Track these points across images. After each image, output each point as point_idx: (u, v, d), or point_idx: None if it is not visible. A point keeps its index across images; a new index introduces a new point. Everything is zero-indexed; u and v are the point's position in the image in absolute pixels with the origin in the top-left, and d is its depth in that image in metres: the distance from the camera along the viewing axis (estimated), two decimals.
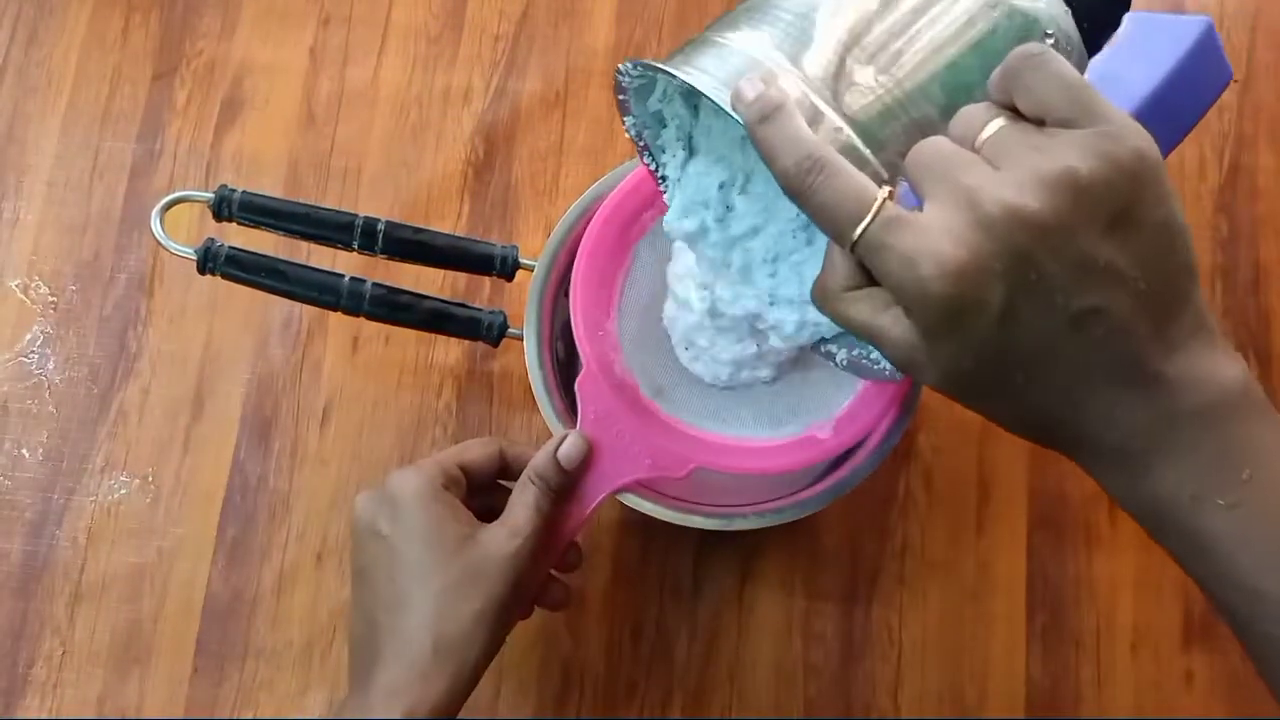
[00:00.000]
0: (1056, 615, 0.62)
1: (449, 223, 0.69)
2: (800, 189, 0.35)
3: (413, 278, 0.62)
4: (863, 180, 0.34)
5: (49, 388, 0.67)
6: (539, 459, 0.50)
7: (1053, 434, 0.36)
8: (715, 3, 0.73)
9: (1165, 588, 0.63)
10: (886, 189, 0.34)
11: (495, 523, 0.49)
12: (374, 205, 0.69)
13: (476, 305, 0.61)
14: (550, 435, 0.57)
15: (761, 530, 0.55)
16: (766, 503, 0.56)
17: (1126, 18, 0.38)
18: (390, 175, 0.70)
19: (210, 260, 0.57)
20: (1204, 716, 0.61)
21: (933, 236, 0.33)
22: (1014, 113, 0.34)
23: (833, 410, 0.54)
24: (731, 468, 0.52)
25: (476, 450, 0.53)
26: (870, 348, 0.48)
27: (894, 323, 0.35)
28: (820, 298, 0.38)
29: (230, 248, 0.57)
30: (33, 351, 0.67)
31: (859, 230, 0.34)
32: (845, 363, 0.50)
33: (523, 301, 0.58)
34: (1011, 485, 0.64)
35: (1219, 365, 0.34)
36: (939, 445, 0.64)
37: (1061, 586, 0.63)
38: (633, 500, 0.54)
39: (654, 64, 0.39)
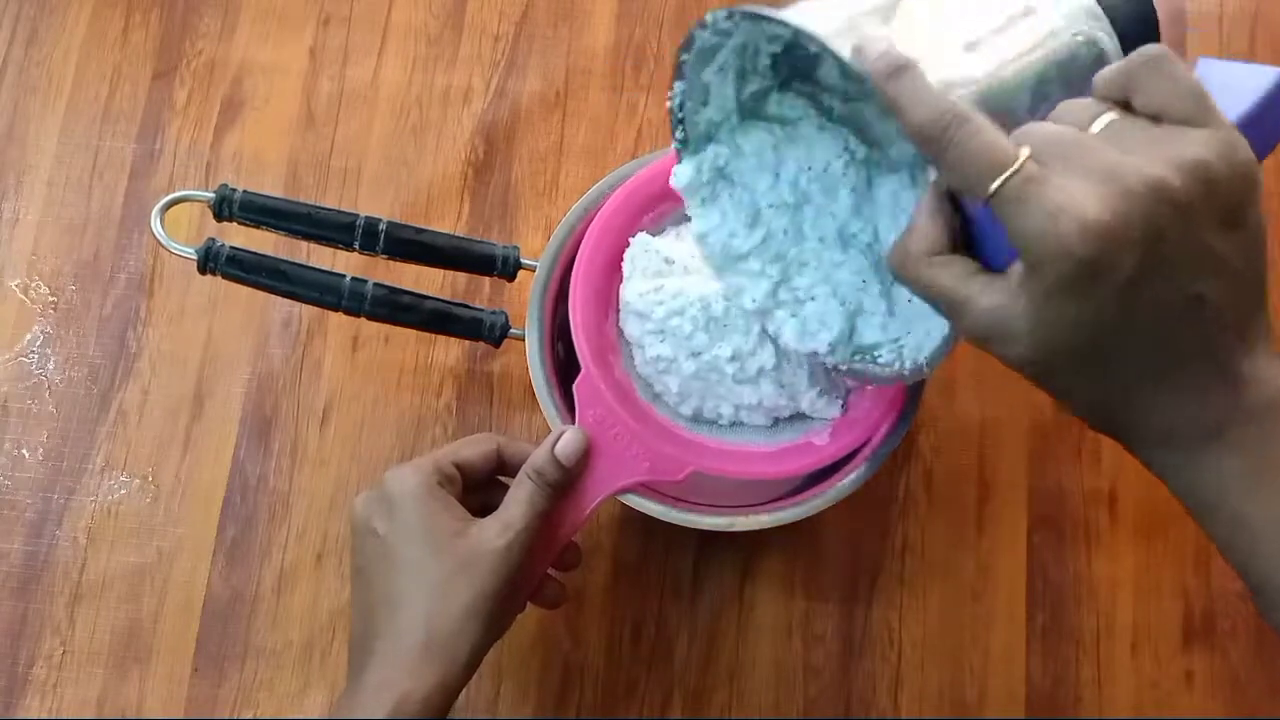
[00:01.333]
0: (1056, 615, 0.62)
1: (449, 223, 0.69)
2: (940, 139, 0.36)
3: (413, 277, 0.62)
4: (1003, 137, 0.36)
5: (49, 388, 0.67)
6: (536, 454, 0.51)
7: (1120, 416, 0.37)
8: (715, 4, 0.73)
9: (1165, 588, 0.63)
10: (1026, 148, 0.35)
11: (489, 517, 0.50)
12: (374, 205, 0.69)
13: (478, 305, 0.61)
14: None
15: (762, 530, 0.55)
16: (767, 504, 0.56)
17: (1197, 63, 0.41)
18: (390, 175, 0.70)
19: (211, 260, 0.57)
20: (1204, 716, 0.61)
21: (1078, 198, 0.34)
22: (1124, 109, 0.37)
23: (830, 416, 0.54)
24: (729, 472, 0.52)
25: (472, 447, 0.53)
26: (876, 353, 0.48)
27: (983, 289, 0.36)
28: (899, 261, 0.39)
29: (231, 248, 0.57)
30: (33, 351, 0.67)
31: (1001, 179, 0.34)
32: (845, 369, 0.50)
33: (523, 301, 0.58)
34: (1011, 485, 0.64)
35: (1272, 366, 0.36)
36: (939, 446, 0.64)
37: (1061, 586, 0.63)
38: (634, 500, 0.54)
39: (765, 12, 0.39)
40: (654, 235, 0.56)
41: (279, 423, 0.66)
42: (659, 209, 0.57)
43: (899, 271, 0.39)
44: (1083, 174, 0.34)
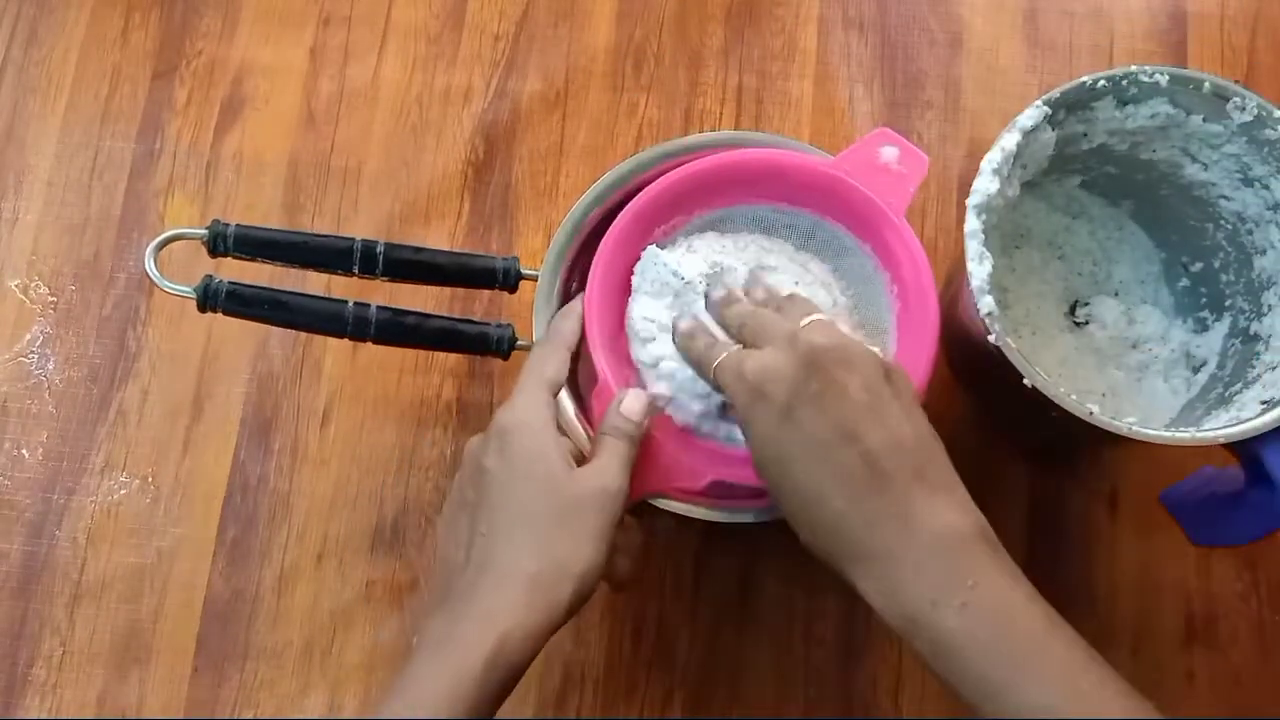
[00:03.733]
0: None
1: (449, 222, 0.69)
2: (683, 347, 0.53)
3: (410, 290, 0.62)
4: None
5: (49, 388, 0.67)
6: (608, 417, 0.53)
7: (821, 538, 0.46)
8: (715, 4, 0.73)
9: (1166, 588, 0.63)
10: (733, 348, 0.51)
11: (586, 467, 0.51)
12: (374, 205, 0.69)
13: (483, 320, 0.60)
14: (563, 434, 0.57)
15: (762, 531, 0.55)
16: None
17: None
18: (390, 175, 0.70)
19: (210, 299, 0.55)
20: (1205, 716, 0.61)
21: (751, 360, 0.48)
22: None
23: None
24: (748, 479, 0.52)
25: (558, 365, 0.54)
26: None
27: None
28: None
29: (229, 283, 0.55)
30: (32, 351, 0.67)
31: (714, 365, 0.50)
32: None
33: (523, 302, 0.58)
34: (1012, 485, 0.64)
35: (959, 513, 0.45)
36: None
37: (1062, 586, 0.62)
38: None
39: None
40: (663, 248, 0.56)
41: (279, 423, 0.66)
42: (672, 220, 0.58)
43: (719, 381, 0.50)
44: (761, 345, 0.49)
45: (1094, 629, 0.61)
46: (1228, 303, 0.61)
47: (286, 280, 0.60)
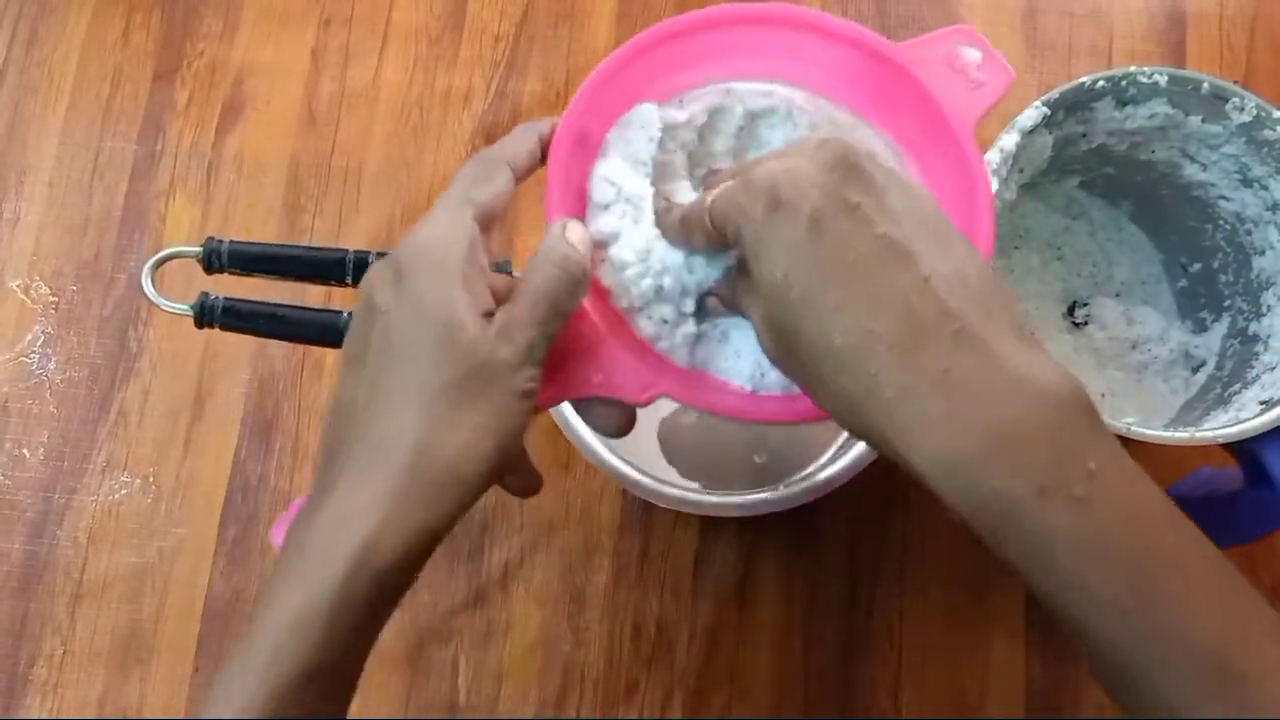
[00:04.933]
0: None
1: None
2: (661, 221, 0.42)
3: None
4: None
5: (50, 388, 0.67)
6: (546, 242, 0.41)
7: (868, 406, 0.34)
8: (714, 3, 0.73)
9: None
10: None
11: (504, 312, 0.39)
12: (375, 206, 0.69)
13: None
14: (561, 436, 0.57)
15: (762, 530, 0.55)
16: (767, 489, 0.55)
17: None
18: (391, 176, 0.70)
19: (207, 315, 0.55)
20: (1205, 717, 0.61)
21: (757, 167, 0.37)
22: None
23: None
24: (703, 405, 0.43)
25: (494, 183, 0.41)
26: None
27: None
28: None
29: (225, 300, 0.55)
30: (33, 351, 0.67)
31: (710, 199, 0.38)
32: None
33: None
34: None
35: (1056, 371, 0.33)
36: None
37: None
38: (623, 472, 0.54)
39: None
40: (661, 106, 0.45)
41: (280, 423, 0.66)
42: (682, 77, 0.46)
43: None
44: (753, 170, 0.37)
45: None
46: (1226, 303, 0.61)
47: (285, 291, 0.60)
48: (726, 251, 0.41)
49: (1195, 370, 0.62)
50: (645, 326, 0.43)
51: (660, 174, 0.45)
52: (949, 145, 0.44)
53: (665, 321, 0.43)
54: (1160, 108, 0.56)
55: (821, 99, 0.45)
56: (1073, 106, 0.55)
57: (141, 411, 0.66)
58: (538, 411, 0.41)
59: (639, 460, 0.57)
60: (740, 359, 0.43)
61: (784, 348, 0.36)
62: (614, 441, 0.55)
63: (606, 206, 0.44)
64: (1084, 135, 0.58)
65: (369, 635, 0.37)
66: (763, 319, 0.37)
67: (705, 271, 0.42)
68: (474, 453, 0.37)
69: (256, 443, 0.65)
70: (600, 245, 0.43)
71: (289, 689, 0.35)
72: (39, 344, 0.67)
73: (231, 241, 0.56)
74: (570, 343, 0.42)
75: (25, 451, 0.66)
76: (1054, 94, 0.55)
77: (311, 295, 0.63)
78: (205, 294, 0.55)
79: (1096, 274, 0.65)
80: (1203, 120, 0.56)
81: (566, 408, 0.56)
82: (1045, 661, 0.61)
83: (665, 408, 0.63)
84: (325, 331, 0.57)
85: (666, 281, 0.42)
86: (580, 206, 0.44)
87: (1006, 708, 0.61)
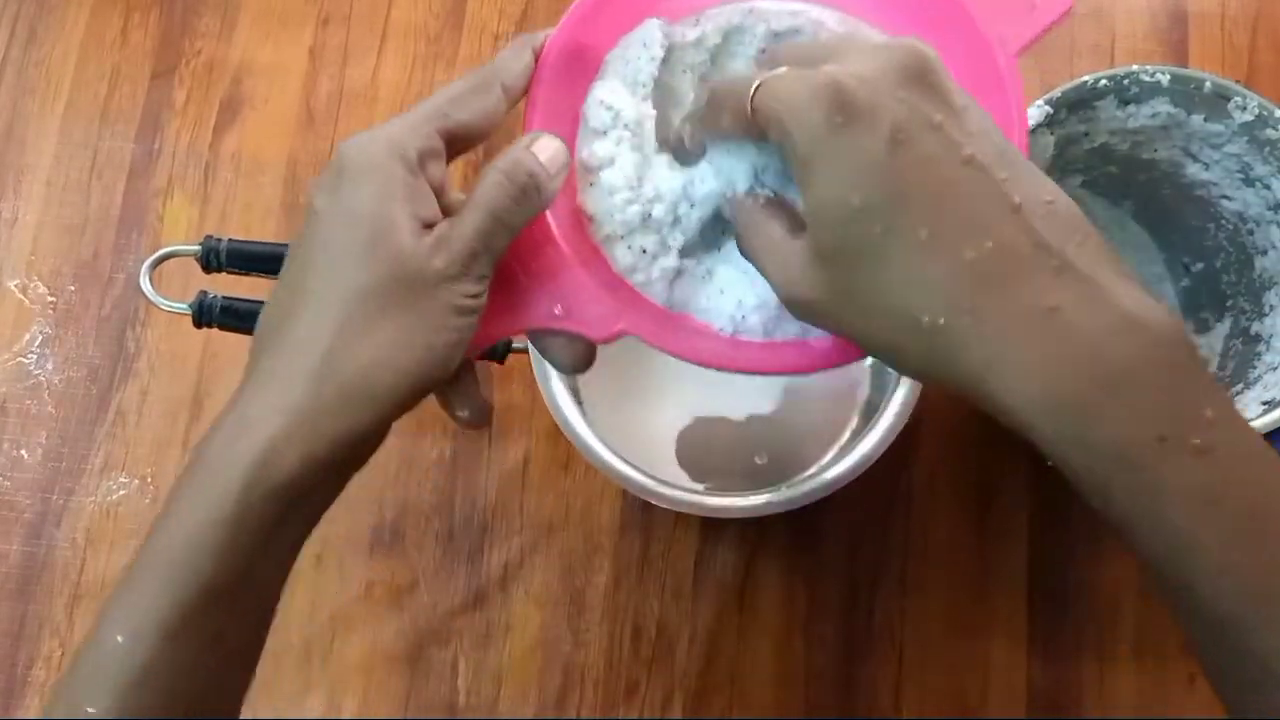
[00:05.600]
0: (1058, 616, 0.62)
1: None
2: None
3: None
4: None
5: (48, 388, 0.66)
6: (508, 151, 0.37)
7: (955, 335, 0.31)
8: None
9: None
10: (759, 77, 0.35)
11: (446, 224, 0.36)
12: None
13: None
14: (561, 436, 0.57)
15: (762, 531, 0.55)
16: (770, 490, 0.55)
17: None
18: None
19: (205, 314, 0.54)
20: (1206, 717, 0.61)
21: (818, 71, 0.33)
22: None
23: None
24: (676, 349, 0.39)
25: (471, 103, 0.38)
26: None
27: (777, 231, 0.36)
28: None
29: (224, 298, 0.55)
30: (31, 352, 0.67)
31: (752, 90, 0.34)
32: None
33: None
34: (1013, 485, 0.64)
35: (1161, 304, 0.31)
36: (939, 445, 0.64)
37: (1063, 587, 0.62)
38: (629, 481, 0.54)
39: None
40: (673, 24, 0.42)
41: None
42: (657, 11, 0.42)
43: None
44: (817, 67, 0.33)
45: (1095, 629, 0.62)
46: (1229, 303, 0.61)
47: None
48: (748, 150, 0.38)
49: None
50: (622, 257, 0.39)
51: (665, 99, 0.42)
52: (990, 78, 0.40)
53: (645, 252, 0.39)
54: (1162, 107, 0.56)
55: (856, 20, 0.41)
56: (1075, 105, 0.55)
57: (140, 412, 0.66)
58: (492, 341, 0.39)
59: (648, 463, 0.56)
60: (723, 296, 0.40)
61: (840, 283, 0.32)
62: (614, 442, 0.55)
63: (603, 133, 0.40)
64: (1086, 134, 0.58)
65: (277, 554, 0.35)
66: (815, 248, 0.33)
67: (713, 185, 0.39)
68: (390, 365, 0.34)
69: None
70: (590, 170, 0.40)
71: (186, 610, 0.33)
72: (37, 344, 0.67)
73: (230, 240, 0.56)
74: (532, 271, 0.39)
75: (23, 452, 0.65)
76: (1056, 93, 0.54)
77: None
78: (204, 293, 0.55)
79: None
80: (1205, 119, 0.56)
81: (566, 409, 0.55)
82: (1046, 662, 0.61)
83: (681, 418, 0.63)
84: None
85: (657, 210, 0.39)
86: (572, 130, 0.40)
87: (1007, 709, 0.61)
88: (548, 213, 0.39)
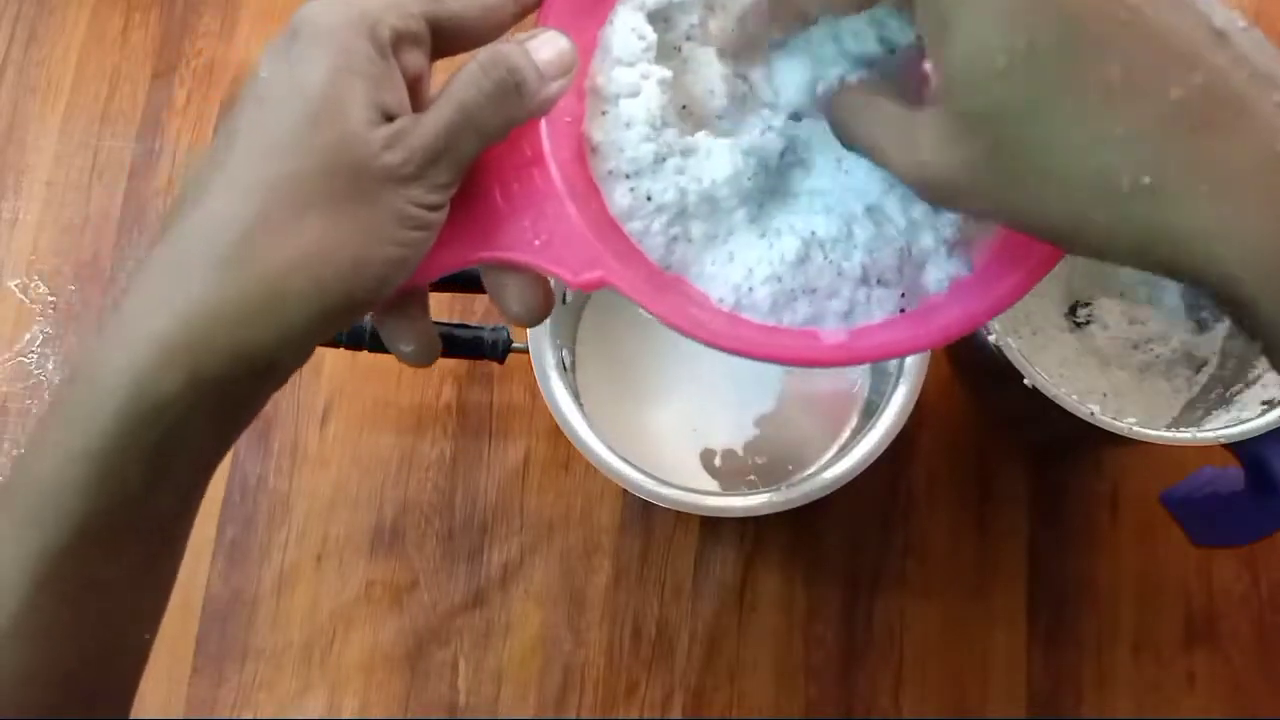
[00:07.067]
0: (1058, 616, 0.62)
1: None
2: None
3: None
4: None
5: (48, 388, 0.66)
6: (496, 45, 0.32)
7: (1165, 205, 0.25)
8: None
9: (1167, 589, 0.63)
10: None
11: (411, 118, 0.30)
12: None
13: (478, 324, 0.60)
14: (561, 436, 0.56)
15: (762, 531, 0.55)
16: (770, 490, 0.55)
17: None
18: None
19: None
20: (1206, 718, 0.61)
21: None
22: None
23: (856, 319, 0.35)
24: (658, 309, 0.33)
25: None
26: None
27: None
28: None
29: None
30: (32, 351, 0.67)
31: None
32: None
33: None
34: (1012, 485, 0.64)
35: None
36: (939, 445, 0.64)
37: (1063, 587, 0.62)
38: (629, 481, 0.54)
39: None
40: None
41: (279, 423, 0.65)
42: None
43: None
44: None
45: (1094, 629, 0.62)
46: None
47: None
48: (817, 51, 0.33)
49: (1197, 370, 0.62)
50: (620, 198, 0.34)
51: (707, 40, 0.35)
52: None
53: (649, 199, 0.34)
54: None
55: None
56: None
57: None
58: (451, 268, 0.32)
59: (648, 463, 0.56)
60: (732, 263, 0.34)
61: (997, 153, 0.27)
62: (614, 442, 0.55)
63: (631, 64, 0.35)
64: None
65: (176, 483, 0.29)
66: (959, 116, 0.27)
67: (794, 88, 0.34)
68: (308, 272, 0.28)
69: (255, 442, 0.65)
70: (606, 98, 0.34)
71: (56, 553, 0.28)
72: (37, 344, 0.67)
73: None
74: (512, 193, 0.33)
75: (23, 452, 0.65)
76: None
77: None
78: None
79: (1098, 273, 0.65)
80: None
81: (566, 409, 0.55)
82: (1046, 662, 0.61)
83: (681, 418, 0.63)
84: None
85: (672, 161, 0.34)
86: (585, 58, 0.35)
87: (1007, 709, 0.61)
88: (544, 130, 0.33)
